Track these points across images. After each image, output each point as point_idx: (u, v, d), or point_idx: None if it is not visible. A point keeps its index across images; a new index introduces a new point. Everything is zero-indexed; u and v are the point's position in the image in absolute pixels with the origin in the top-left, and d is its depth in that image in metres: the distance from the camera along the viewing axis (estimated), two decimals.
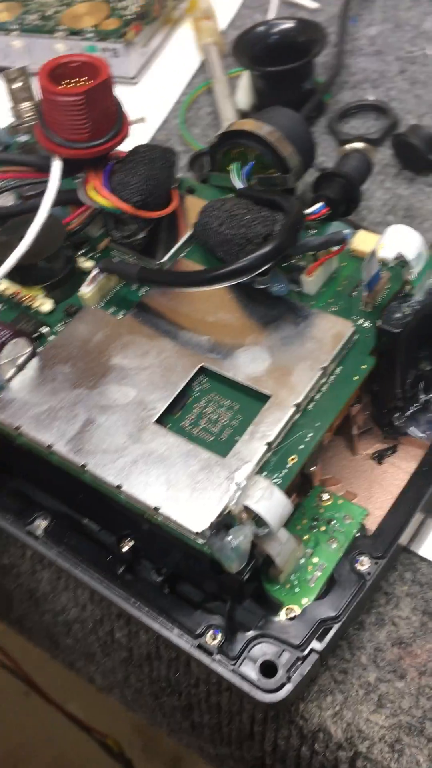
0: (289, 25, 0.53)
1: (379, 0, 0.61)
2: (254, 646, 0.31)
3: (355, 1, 0.61)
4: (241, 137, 0.39)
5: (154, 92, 0.60)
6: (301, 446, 0.32)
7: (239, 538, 0.29)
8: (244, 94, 0.56)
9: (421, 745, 0.31)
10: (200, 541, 0.30)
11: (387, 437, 0.38)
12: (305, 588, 0.32)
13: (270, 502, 0.29)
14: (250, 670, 0.31)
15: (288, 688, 0.30)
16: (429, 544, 0.36)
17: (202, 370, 0.35)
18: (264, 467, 0.32)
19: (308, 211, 0.38)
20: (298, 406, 0.33)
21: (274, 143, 0.38)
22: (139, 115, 0.59)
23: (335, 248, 0.36)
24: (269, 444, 0.32)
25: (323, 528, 0.34)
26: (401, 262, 0.33)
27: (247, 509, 0.30)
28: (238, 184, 0.39)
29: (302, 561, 0.33)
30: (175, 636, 0.32)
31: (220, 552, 0.29)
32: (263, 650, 0.31)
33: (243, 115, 0.57)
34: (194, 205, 0.40)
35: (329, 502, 0.35)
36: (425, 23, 0.58)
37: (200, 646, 0.31)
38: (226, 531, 0.30)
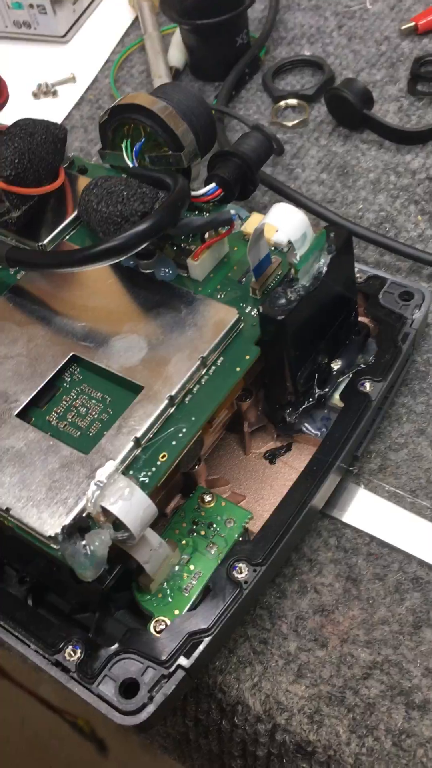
0: None
1: None
2: (117, 662, 0.28)
3: None
4: (131, 112, 0.36)
5: (84, 51, 0.57)
6: (174, 442, 0.29)
7: (95, 543, 0.26)
8: (176, 51, 0.53)
9: (341, 715, 0.29)
10: (54, 546, 0.27)
11: (280, 435, 0.35)
12: (179, 598, 0.30)
13: (129, 503, 0.27)
14: (110, 689, 0.28)
15: (149, 709, 0.27)
16: (352, 511, 0.34)
17: (74, 359, 0.32)
18: (131, 465, 0.29)
19: (199, 192, 0.35)
20: (171, 398, 0.30)
21: (165, 118, 0.36)
22: (68, 74, 0.56)
23: (223, 230, 0.33)
24: (137, 439, 0.29)
25: (203, 532, 0.31)
26: (288, 244, 0.30)
27: (104, 511, 0.27)
28: (130, 162, 0.36)
29: (177, 568, 0.30)
30: (31, 652, 0.29)
31: (73, 558, 0.26)
32: (126, 667, 0.28)
33: (176, 72, 0.54)
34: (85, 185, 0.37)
35: (211, 505, 0.32)
36: None
37: (57, 663, 0.28)
38: (81, 535, 0.27)
